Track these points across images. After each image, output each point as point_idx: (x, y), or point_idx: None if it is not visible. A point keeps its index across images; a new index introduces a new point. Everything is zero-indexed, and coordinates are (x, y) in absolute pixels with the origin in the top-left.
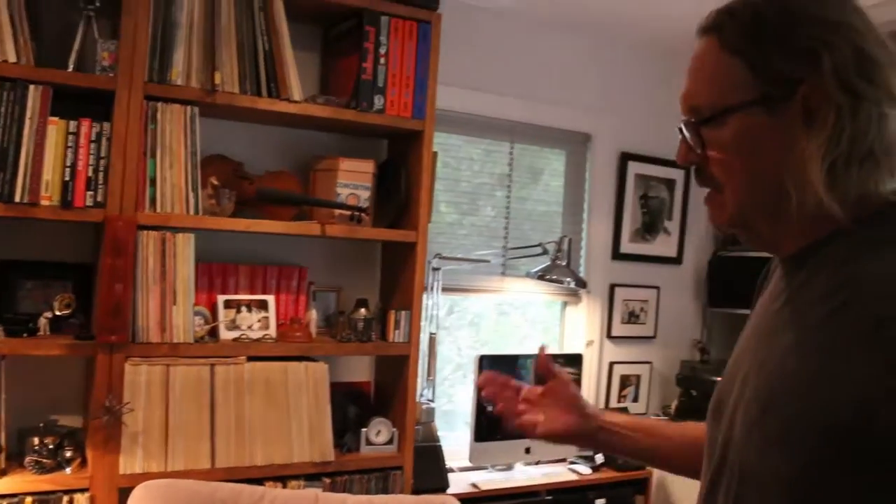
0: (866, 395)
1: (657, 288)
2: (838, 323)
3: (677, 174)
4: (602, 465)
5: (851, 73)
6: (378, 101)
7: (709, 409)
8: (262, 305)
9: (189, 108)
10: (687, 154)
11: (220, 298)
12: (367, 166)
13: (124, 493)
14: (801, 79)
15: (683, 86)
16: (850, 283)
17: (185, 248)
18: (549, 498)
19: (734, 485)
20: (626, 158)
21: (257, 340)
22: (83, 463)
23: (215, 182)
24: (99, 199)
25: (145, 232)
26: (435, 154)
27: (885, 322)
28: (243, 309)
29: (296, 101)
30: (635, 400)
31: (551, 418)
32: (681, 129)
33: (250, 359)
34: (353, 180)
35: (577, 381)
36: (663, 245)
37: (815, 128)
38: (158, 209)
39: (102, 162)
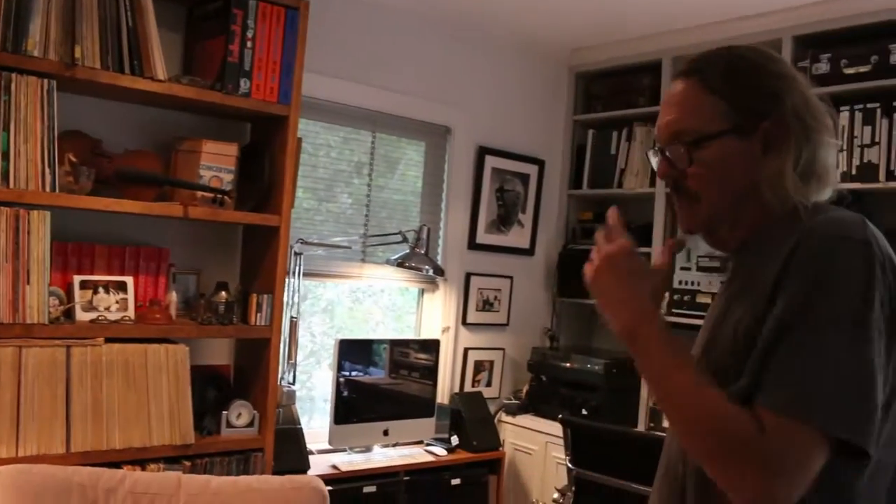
0: (750, 323)
1: (510, 278)
2: (753, 282)
3: (531, 169)
4: (457, 446)
5: (804, 112)
6: (244, 85)
7: None
8: (121, 287)
9: (46, 81)
10: (667, 170)
11: (76, 279)
12: (231, 149)
13: None
14: (767, 114)
15: (661, 117)
16: (770, 256)
17: (39, 226)
18: (407, 478)
19: None
20: (483, 152)
21: (116, 322)
22: None
23: (73, 159)
24: None
25: None
26: (299, 140)
27: (776, 280)
28: (100, 290)
29: (159, 80)
30: (489, 385)
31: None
32: (662, 151)
33: (108, 340)
34: (217, 163)
35: (433, 367)
36: (517, 236)
37: (771, 152)
38: (11, 185)
39: None
